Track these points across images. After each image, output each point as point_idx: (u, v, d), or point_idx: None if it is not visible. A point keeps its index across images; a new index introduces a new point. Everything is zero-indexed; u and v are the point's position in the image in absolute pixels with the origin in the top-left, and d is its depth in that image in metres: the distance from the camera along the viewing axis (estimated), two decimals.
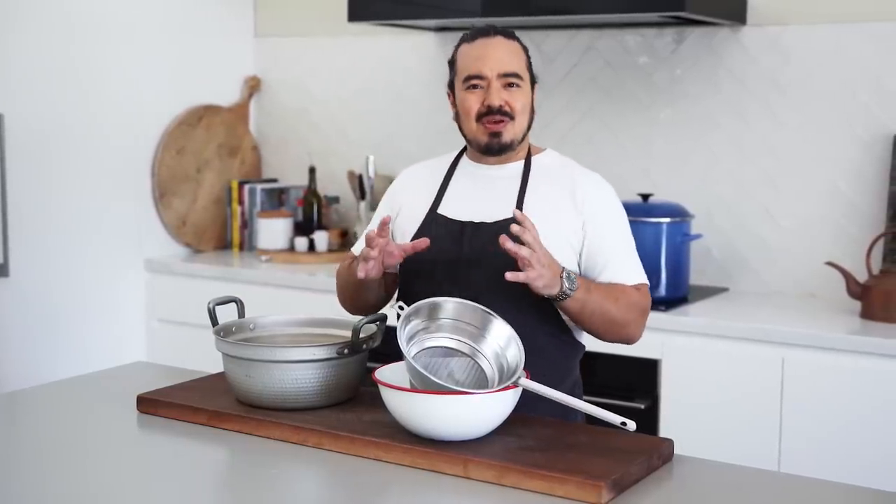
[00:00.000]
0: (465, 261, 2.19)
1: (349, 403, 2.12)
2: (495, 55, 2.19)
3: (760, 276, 3.59)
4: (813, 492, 1.84)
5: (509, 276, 1.99)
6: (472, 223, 2.21)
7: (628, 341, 2.23)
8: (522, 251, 1.99)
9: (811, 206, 3.50)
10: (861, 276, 3.25)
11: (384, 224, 2.11)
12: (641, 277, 2.22)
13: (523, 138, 2.25)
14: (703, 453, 1.98)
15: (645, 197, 3.47)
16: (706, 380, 3.09)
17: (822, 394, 2.94)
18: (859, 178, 3.42)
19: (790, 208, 3.53)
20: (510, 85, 2.19)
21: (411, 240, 2.26)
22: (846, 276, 3.19)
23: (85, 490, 1.81)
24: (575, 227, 2.19)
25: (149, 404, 2.17)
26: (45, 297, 3.79)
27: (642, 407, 3.13)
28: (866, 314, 3.12)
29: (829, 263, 3.26)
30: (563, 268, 2.07)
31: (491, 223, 2.20)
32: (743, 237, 3.61)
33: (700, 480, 1.87)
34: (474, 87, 2.20)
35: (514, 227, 2.00)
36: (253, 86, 4.48)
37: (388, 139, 4.23)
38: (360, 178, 4.09)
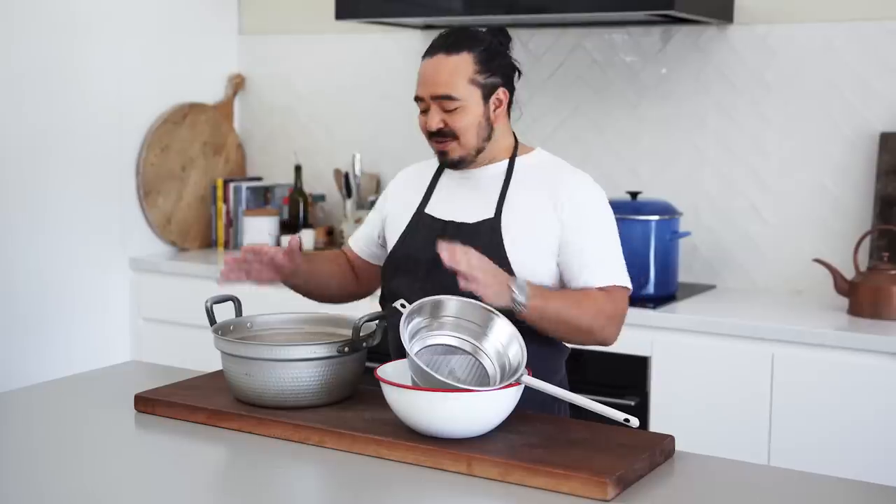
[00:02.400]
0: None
1: (349, 402, 2.11)
2: (431, 77, 2.18)
3: (747, 274, 3.61)
4: (812, 487, 1.85)
5: (462, 285, 1.99)
6: (453, 223, 2.23)
7: (602, 344, 2.18)
8: (461, 265, 1.98)
9: (798, 203, 3.52)
10: (848, 273, 3.27)
11: (292, 252, 2.23)
12: (616, 279, 2.16)
13: (479, 151, 2.22)
14: (693, 450, 1.99)
15: (633, 195, 3.48)
16: (696, 377, 3.11)
17: (811, 390, 2.96)
18: (846, 176, 3.45)
19: (777, 206, 3.56)
20: (448, 109, 2.18)
21: (399, 238, 2.28)
22: (834, 273, 3.21)
23: (85, 490, 1.80)
24: (552, 229, 2.17)
25: (146, 403, 2.15)
26: (29, 297, 3.76)
27: (632, 404, 3.14)
28: (854, 311, 3.14)
29: (817, 260, 3.28)
30: (512, 278, 2.05)
31: (471, 223, 2.21)
32: (730, 234, 3.63)
33: (703, 476, 1.88)
34: (421, 108, 2.22)
35: (445, 258, 1.99)
36: (237, 84, 4.46)
37: (375, 137, 4.23)
38: (347, 176, 4.09)
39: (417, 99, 2.22)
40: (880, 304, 3.08)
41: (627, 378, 3.20)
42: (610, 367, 3.20)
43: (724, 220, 3.64)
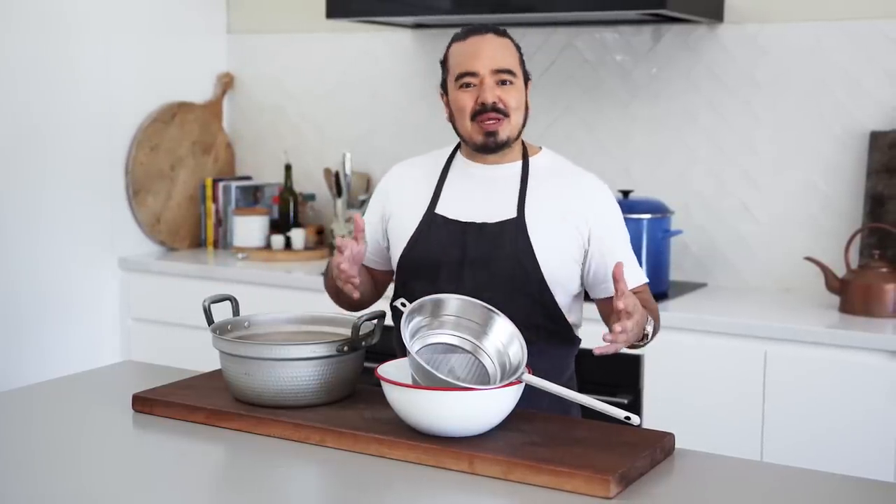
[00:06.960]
0: (470, 262, 2.17)
1: (348, 400, 2.11)
2: (488, 52, 2.16)
3: (739, 272, 3.63)
4: (811, 483, 1.86)
5: (598, 350, 1.95)
6: (474, 224, 2.19)
7: None
8: (621, 330, 1.95)
9: (788, 202, 3.54)
10: (839, 271, 3.29)
11: (360, 231, 2.12)
12: (644, 276, 2.26)
13: (518, 135, 2.22)
14: (687, 447, 2.00)
15: (625, 193, 3.49)
16: (689, 374, 3.12)
17: (803, 387, 2.97)
18: (836, 174, 3.46)
19: (768, 204, 3.57)
20: (503, 82, 2.16)
21: (409, 240, 2.23)
22: (825, 271, 3.23)
23: (84, 491, 1.79)
24: (580, 232, 2.19)
25: (145, 403, 2.14)
26: (17, 297, 3.74)
27: (626, 402, 3.15)
28: (845, 308, 3.16)
29: (808, 258, 3.30)
30: (646, 315, 2.07)
31: (493, 224, 2.18)
32: (721, 233, 3.64)
33: (703, 473, 1.89)
34: (467, 85, 2.17)
35: (621, 294, 1.94)
36: (226, 83, 4.44)
37: (365, 136, 4.22)
38: (337, 175, 4.08)
39: (465, 75, 2.17)
40: (871, 302, 3.10)
41: (620, 376, 3.20)
42: (602, 366, 3.18)
43: (715, 219, 3.65)
